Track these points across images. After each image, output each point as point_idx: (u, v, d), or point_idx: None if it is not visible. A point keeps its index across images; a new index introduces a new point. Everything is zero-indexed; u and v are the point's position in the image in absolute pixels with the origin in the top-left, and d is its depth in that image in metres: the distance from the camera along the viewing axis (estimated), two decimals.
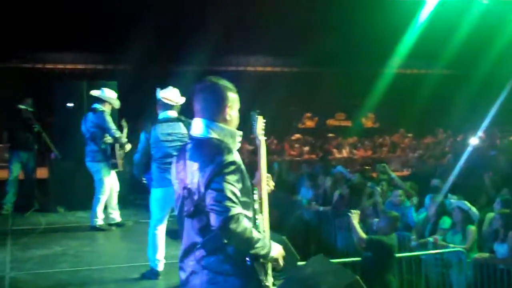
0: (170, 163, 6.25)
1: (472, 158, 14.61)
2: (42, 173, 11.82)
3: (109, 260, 7.94)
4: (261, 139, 4.14)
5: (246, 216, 3.46)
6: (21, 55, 23.38)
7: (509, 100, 19.85)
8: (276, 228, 9.52)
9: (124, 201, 10.70)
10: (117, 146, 9.33)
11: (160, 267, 6.91)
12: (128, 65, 21.65)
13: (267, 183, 4.03)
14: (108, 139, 9.23)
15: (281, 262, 3.66)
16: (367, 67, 24.18)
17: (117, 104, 9.57)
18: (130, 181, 10.64)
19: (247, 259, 3.48)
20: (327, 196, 12.47)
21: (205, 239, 3.48)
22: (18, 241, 8.82)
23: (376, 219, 9.42)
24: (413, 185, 11.44)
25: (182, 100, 7.18)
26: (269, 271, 3.62)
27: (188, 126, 6.78)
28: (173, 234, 7.20)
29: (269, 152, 18.60)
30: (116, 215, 9.73)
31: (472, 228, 8.76)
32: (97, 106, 9.33)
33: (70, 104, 11.27)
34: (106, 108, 9.36)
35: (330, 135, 24.11)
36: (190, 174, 3.52)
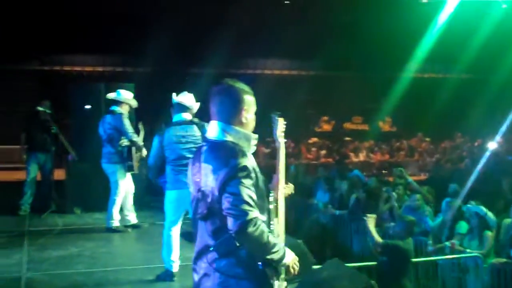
0: (184, 165, 6.31)
1: (490, 163, 14.52)
2: (59, 174, 11.87)
3: (124, 261, 7.95)
4: (281, 141, 4.12)
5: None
6: (39, 57, 23.53)
7: None
8: (292, 231, 9.54)
9: (139, 203, 10.72)
10: (133, 148, 9.35)
11: (175, 269, 6.91)
12: (146, 68, 21.75)
13: (285, 188, 4.00)
14: (125, 141, 9.25)
15: (292, 270, 3.63)
16: (385, 71, 24.11)
17: (134, 103, 9.60)
18: (146, 183, 10.66)
19: (259, 263, 3.47)
20: (344, 200, 12.44)
21: (217, 242, 3.48)
22: (35, 242, 8.84)
23: (392, 224, 9.39)
24: (430, 190, 11.38)
25: (196, 104, 7.19)
26: (282, 276, 3.60)
27: (201, 128, 6.80)
28: (188, 236, 7.20)
29: (286, 155, 18.57)
30: (132, 217, 9.75)
31: (489, 233, 8.70)
32: (115, 108, 9.35)
33: (87, 106, 11.30)
34: (124, 110, 9.39)
35: (347, 138, 24.06)
36: (204, 176, 3.52)
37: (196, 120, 7.09)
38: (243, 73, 24.24)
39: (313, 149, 21.17)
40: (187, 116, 7.11)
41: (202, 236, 3.61)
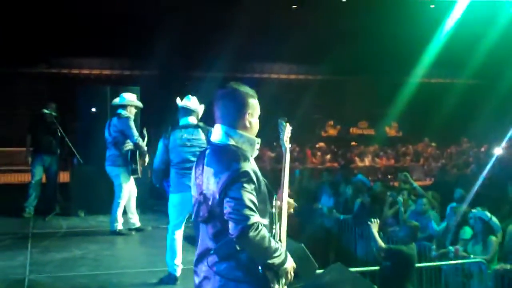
0: (188, 169, 6.32)
1: (495, 168, 14.48)
2: (64, 177, 11.89)
3: (128, 264, 7.97)
4: (287, 147, 4.10)
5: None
6: (47, 60, 23.60)
7: None
8: (296, 235, 9.55)
9: (143, 207, 10.76)
10: (138, 152, 9.36)
11: (178, 273, 6.92)
12: (153, 71, 21.79)
13: (288, 204, 3.98)
14: (129, 145, 9.27)
15: (290, 276, 3.63)
16: (391, 76, 24.10)
17: (139, 104, 9.64)
18: (150, 186, 10.68)
19: (259, 267, 3.47)
20: (348, 205, 12.43)
21: (218, 245, 3.48)
22: (39, 244, 8.86)
23: (397, 228, 9.37)
24: (435, 195, 11.35)
25: (201, 107, 7.20)
26: (283, 280, 3.60)
27: (207, 133, 6.80)
28: (191, 240, 7.20)
29: (291, 160, 18.58)
30: (135, 220, 9.76)
31: (493, 238, 8.67)
32: (121, 111, 9.37)
33: (93, 109, 11.32)
34: (131, 113, 9.42)
35: (353, 143, 24.04)
36: (206, 179, 3.53)
37: (201, 124, 7.10)
38: (250, 77, 24.25)
39: (318, 153, 21.15)
40: (192, 120, 7.12)
41: (203, 239, 3.62)
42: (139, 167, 9.38)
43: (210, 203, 3.49)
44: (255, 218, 3.35)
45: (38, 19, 20.02)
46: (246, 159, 3.49)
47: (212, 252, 3.50)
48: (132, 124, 9.30)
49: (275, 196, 3.74)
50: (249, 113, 3.64)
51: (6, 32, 19.65)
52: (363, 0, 21.14)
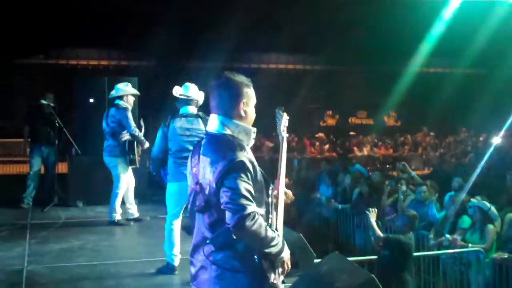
0: (186, 158, 6.25)
1: (494, 158, 14.49)
2: (62, 168, 11.87)
3: (126, 254, 7.97)
4: (284, 136, 4.08)
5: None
6: (44, 51, 23.57)
7: None
8: (294, 225, 9.56)
9: (142, 197, 10.75)
10: (136, 142, 9.36)
11: (176, 262, 6.92)
12: (150, 61, 21.78)
13: (286, 195, 3.98)
14: (126, 135, 9.26)
15: (286, 266, 3.63)
16: (390, 66, 24.09)
17: (135, 92, 9.61)
18: (148, 176, 10.67)
19: (255, 256, 3.46)
20: (347, 194, 12.45)
21: (214, 235, 3.47)
22: (37, 235, 8.85)
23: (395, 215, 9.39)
24: (433, 184, 11.35)
25: (201, 95, 7.16)
26: (279, 270, 3.59)
27: (206, 122, 6.77)
28: (189, 230, 7.19)
29: (289, 150, 18.75)
30: (134, 210, 9.76)
31: (491, 227, 8.68)
32: (119, 102, 9.35)
33: (91, 100, 11.30)
34: (129, 103, 9.40)
35: (351, 133, 24.06)
36: (202, 169, 3.52)
37: (201, 114, 7.07)
38: (248, 67, 24.23)
39: (317, 143, 21.15)
40: (192, 109, 7.10)
41: (199, 228, 3.61)
42: (137, 157, 9.38)
43: (206, 192, 3.48)
44: (251, 207, 3.35)
45: (36, 10, 19.98)
46: (242, 148, 3.48)
47: (208, 241, 3.49)
48: (129, 114, 9.29)
49: (271, 185, 3.73)
50: (243, 102, 3.62)
51: (4, 23, 19.61)
52: None
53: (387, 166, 18.47)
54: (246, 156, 3.45)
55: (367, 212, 7.97)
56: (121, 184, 9.34)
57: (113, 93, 9.49)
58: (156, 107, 13.17)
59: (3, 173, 17.27)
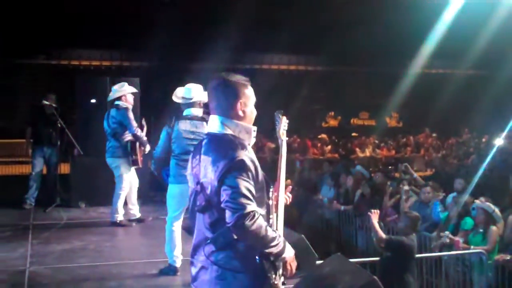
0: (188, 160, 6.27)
1: (496, 159, 14.47)
2: (64, 168, 11.87)
3: (128, 255, 7.97)
4: (283, 139, 4.09)
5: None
6: (46, 51, 23.59)
7: None
8: (296, 226, 9.55)
9: (144, 198, 10.75)
10: (138, 143, 9.35)
11: (178, 264, 6.92)
12: (152, 62, 21.78)
13: (285, 198, 3.97)
14: (128, 135, 9.26)
15: (289, 266, 3.61)
16: (392, 67, 24.09)
17: (133, 89, 9.58)
18: (150, 177, 10.67)
19: (257, 257, 3.45)
20: (349, 196, 12.44)
21: (215, 235, 3.46)
22: (39, 236, 8.85)
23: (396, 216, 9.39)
24: (435, 185, 11.35)
25: (204, 95, 7.01)
26: (280, 271, 3.57)
27: None
28: (190, 230, 7.19)
29: (291, 151, 18.77)
30: (136, 211, 9.76)
31: (494, 229, 8.67)
32: (119, 102, 9.34)
33: (93, 100, 11.30)
34: (128, 103, 9.39)
35: (354, 134, 24.06)
36: (204, 168, 3.51)
37: (206, 116, 7.01)
38: (250, 68, 24.23)
39: (319, 144, 21.14)
40: (196, 111, 7.02)
41: (199, 229, 3.61)
42: (139, 158, 9.38)
43: (207, 192, 3.47)
44: (251, 206, 3.34)
45: (37, 10, 20.00)
46: (243, 147, 3.48)
47: (209, 241, 3.48)
48: (130, 114, 9.28)
49: (272, 187, 3.72)
50: (241, 103, 3.61)
51: (5, 24, 19.63)
52: None
53: (389, 167, 18.43)
54: (248, 155, 3.45)
55: (369, 213, 7.96)
56: (123, 185, 9.34)
57: (111, 95, 9.49)
58: (158, 107, 13.15)
59: (5, 173, 17.28)
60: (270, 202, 3.69)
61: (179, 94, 7.09)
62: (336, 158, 19.40)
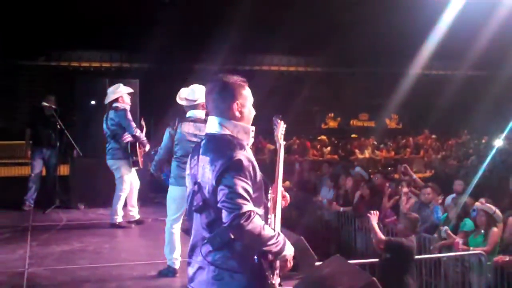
0: None
1: (496, 160, 14.47)
2: (63, 170, 11.86)
3: (127, 257, 7.96)
4: (281, 143, 4.10)
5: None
6: (46, 53, 23.61)
7: None
8: (296, 227, 9.54)
9: (143, 199, 10.74)
10: (138, 144, 9.35)
11: (177, 265, 6.91)
12: (152, 64, 21.80)
13: (283, 198, 3.97)
14: (128, 137, 9.25)
15: (288, 264, 3.61)
16: (391, 68, 24.09)
17: (128, 90, 9.57)
18: (150, 179, 10.66)
19: (255, 257, 3.44)
20: (348, 197, 12.43)
21: (212, 235, 3.45)
22: (38, 237, 8.84)
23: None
24: (435, 187, 11.34)
25: (203, 97, 6.93)
26: (277, 271, 3.57)
27: None
28: (189, 232, 7.18)
29: (291, 152, 18.78)
30: (135, 213, 9.75)
31: (495, 230, 8.67)
32: (117, 104, 9.35)
33: (92, 102, 11.30)
34: (126, 104, 9.39)
35: (353, 135, 24.07)
36: (202, 168, 3.51)
37: None
38: (249, 69, 24.25)
39: (318, 145, 21.14)
40: (199, 113, 6.96)
41: (197, 229, 3.60)
42: (140, 158, 9.37)
43: (205, 191, 3.46)
44: (248, 206, 3.33)
45: (37, 12, 20.01)
46: (242, 147, 3.48)
47: (206, 241, 3.46)
48: (129, 116, 9.28)
49: (270, 189, 3.73)
50: (237, 103, 3.60)
51: (5, 26, 19.64)
52: None
53: (389, 168, 18.44)
54: (246, 155, 3.45)
55: (368, 214, 7.96)
56: (124, 187, 9.34)
57: (107, 98, 9.49)
58: (158, 108, 13.18)
59: (5, 175, 17.29)
60: (269, 204, 3.69)
61: (182, 95, 7.05)
62: (336, 159, 19.40)
